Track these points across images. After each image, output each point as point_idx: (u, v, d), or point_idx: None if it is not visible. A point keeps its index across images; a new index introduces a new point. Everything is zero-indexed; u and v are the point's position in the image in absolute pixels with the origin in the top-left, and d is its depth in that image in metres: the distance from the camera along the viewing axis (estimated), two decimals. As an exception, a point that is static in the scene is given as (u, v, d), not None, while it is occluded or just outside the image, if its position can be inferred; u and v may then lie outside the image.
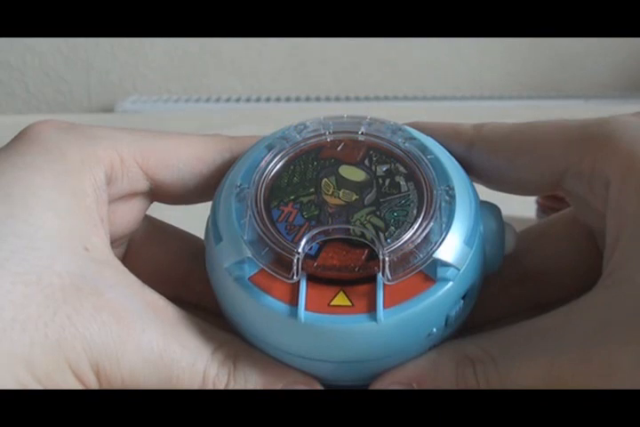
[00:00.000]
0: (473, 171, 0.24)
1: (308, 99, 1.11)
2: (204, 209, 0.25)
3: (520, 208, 0.45)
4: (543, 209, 0.44)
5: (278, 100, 1.09)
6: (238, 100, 1.09)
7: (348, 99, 1.12)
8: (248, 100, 1.09)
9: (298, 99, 1.11)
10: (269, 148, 0.23)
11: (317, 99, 1.11)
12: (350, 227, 0.21)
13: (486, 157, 0.24)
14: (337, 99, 1.11)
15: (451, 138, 0.24)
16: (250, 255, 0.21)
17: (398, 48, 1.16)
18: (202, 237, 0.24)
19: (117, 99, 1.11)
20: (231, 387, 0.21)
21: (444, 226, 0.21)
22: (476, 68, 1.21)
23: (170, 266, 0.26)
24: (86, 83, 1.13)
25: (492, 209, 0.24)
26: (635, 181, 0.20)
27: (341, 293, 0.20)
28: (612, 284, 0.20)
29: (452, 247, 0.21)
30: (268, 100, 1.09)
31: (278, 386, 0.21)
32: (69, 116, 1.05)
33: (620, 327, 0.19)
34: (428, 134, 0.24)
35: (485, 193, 0.24)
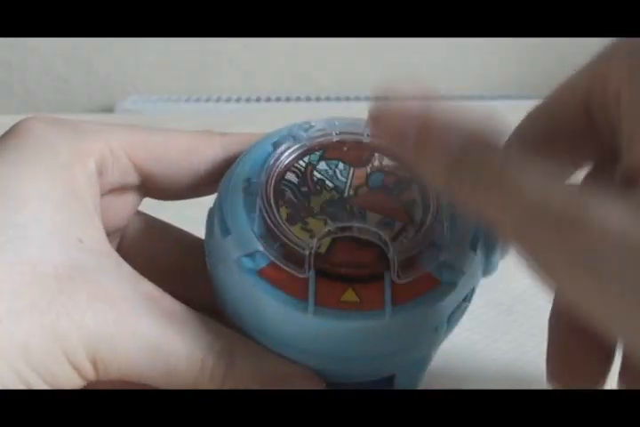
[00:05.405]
0: None
1: (308, 99, 1.11)
2: (197, 208, 0.25)
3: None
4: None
5: (278, 100, 1.09)
6: (238, 100, 1.09)
7: (347, 99, 1.11)
8: (248, 100, 1.09)
9: (298, 99, 1.10)
10: (276, 145, 0.23)
11: (317, 99, 1.11)
12: (362, 226, 0.22)
13: None
14: (337, 99, 1.11)
15: None
16: (261, 249, 0.21)
17: (398, 48, 1.16)
18: (195, 233, 0.24)
19: (117, 99, 1.11)
20: (229, 377, 0.21)
21: (449, 230, 0.21)
22: (476, 68, 1.21)
23: (162, 261, 0.26)
24: (86, 83, 1.13)
25: None
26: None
27: (350, 289, 0.21)
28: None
29: (458, 251, 0.21)
30: (268, 100, 1.09)
31: (276, 377, 0.21)
32: (69, 116, 1.04)
33: None
34: None
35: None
